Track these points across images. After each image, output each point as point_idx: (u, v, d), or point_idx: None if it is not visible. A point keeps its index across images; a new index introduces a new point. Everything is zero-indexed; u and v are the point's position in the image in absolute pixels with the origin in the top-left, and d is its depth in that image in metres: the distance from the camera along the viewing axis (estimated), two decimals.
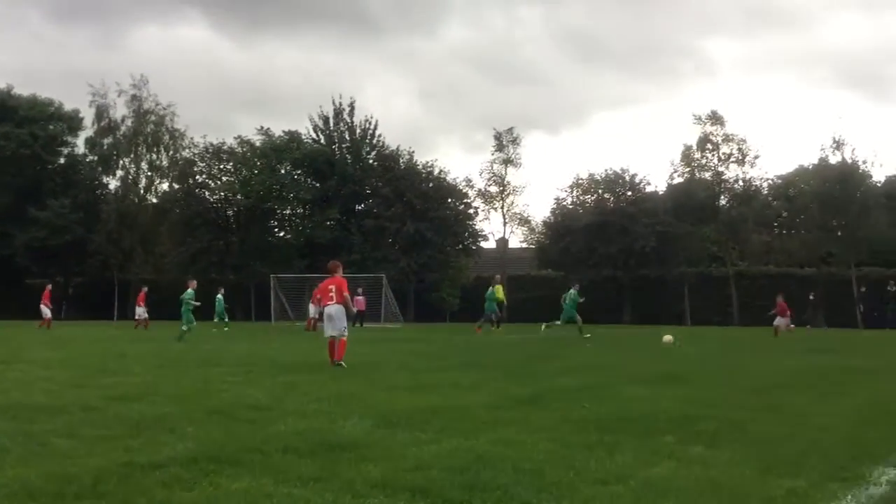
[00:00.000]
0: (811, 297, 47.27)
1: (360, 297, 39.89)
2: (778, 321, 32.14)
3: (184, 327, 24.40)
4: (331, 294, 15.10)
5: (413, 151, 58.18)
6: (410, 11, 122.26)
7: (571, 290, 30.28)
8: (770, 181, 57.65)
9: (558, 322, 30.04)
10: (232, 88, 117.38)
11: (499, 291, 34.63)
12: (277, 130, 58.72)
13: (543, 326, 30.51)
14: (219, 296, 34.36)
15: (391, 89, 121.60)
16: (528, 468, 5.97)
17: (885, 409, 9.64)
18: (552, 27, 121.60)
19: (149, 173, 59.92)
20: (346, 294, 15.27)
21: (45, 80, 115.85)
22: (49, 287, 36.90)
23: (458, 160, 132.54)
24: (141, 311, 34.35)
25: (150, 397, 9.85)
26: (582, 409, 9.06)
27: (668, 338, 22.86)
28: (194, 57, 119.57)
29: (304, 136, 58.87)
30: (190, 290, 25.74)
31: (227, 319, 34.24)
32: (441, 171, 57.49)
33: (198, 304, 26.12)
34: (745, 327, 44.91)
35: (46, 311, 34.59)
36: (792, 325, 33.24)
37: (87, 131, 60.64)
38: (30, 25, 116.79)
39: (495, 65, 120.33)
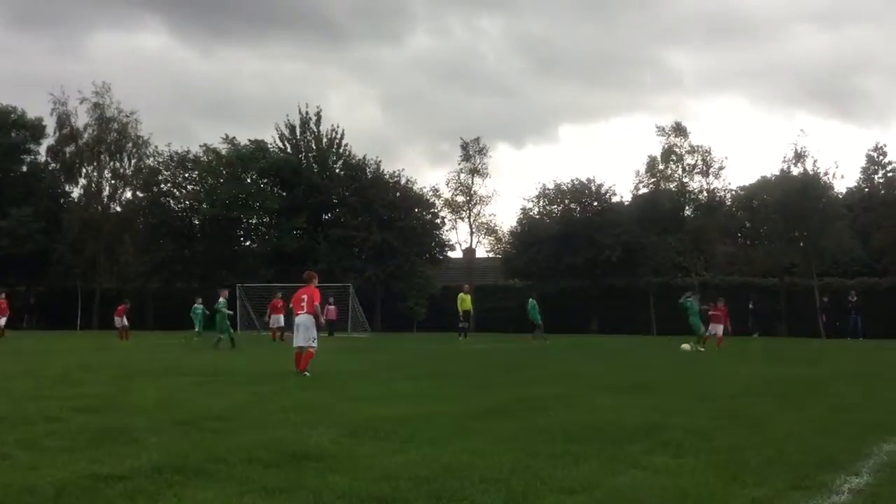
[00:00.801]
0: (751, 306, 48.05)
1: (332, 307, 39.79)
2: (714, 328, 27.43)
3: (222, 335, 25.35)
4: (302, 304, 15.04)
5: (380, 161, 58.14)
6: (374, 20, 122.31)
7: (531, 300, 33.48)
8: (734, 192, 58.22)
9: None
10: (193, 96, 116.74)
11: (464, 301, 34.73)
12: (240, 138, 58.27)
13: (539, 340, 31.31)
14: (196, 305, 33.81)
15: (355, 98, 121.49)
16: (495, 478, 5.98)
17: (846, 417, 9.76)
18: (514, 37, 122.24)
19: (112, 181, 59.34)
20: (318, 304, 15.24)
21: (2, 87, 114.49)
22: (4, 296, 36.35)
23: (423, 170, 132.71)
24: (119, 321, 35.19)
25: (114, 408, 9.75)
26: (548, 419, 9.09)
27: (685, 346, 24.06)
28: (154, 64, 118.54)
29: (270, 146, 58.59)
30: (222, 300, 26.33)
31: (200, 330, 33.62)
32: (408, 180, 57.54)
33: (230, 312, 26.67)
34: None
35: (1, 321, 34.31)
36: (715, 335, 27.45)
37: (50, 139, 60.00)
38: None
39: (459, 75, 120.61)
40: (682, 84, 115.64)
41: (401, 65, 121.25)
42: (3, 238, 54.32)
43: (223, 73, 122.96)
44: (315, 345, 14.96)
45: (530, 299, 33.61)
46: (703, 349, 24.83)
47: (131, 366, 17.30)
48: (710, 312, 27.75)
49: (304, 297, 15.09)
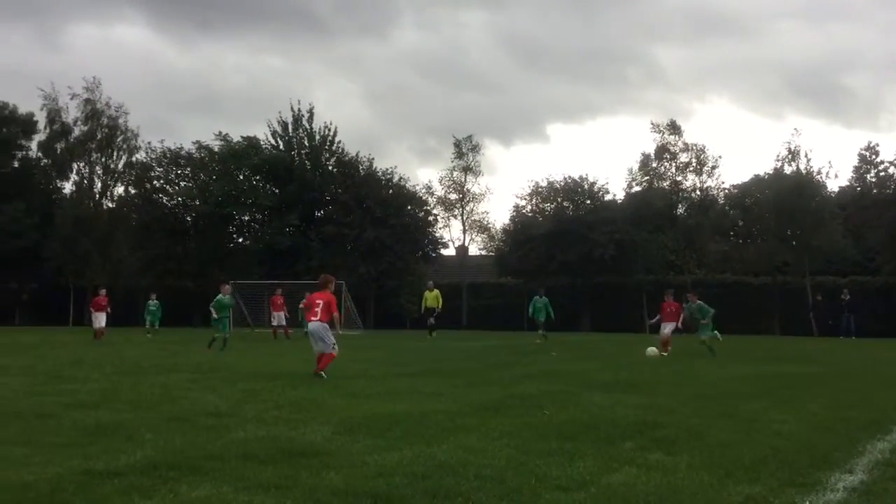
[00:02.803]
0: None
1: None
2: (665, 329, 23.76)
3: (222, 333, 23.08)
4: (316, 310, 13.91)
5: (373, 158, 58.14)
6: (359, 14, 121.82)
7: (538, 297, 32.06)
8: (727, 190, 58.39)
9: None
10: (174, 90, 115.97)
11: (428, 299, 34.54)
12: (223, 133, 58.14)
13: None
14: (150, 301, 33.58)
15: (339, 93, 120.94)
16: (490, 475, 5.99)
17: (840, 415, 9.80)
18: (500, 33, 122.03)
19: (104, 177, 59.19)
20: (336, 314, 14.20)
21: None
22: None
23: (411, 166, 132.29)
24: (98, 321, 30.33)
25: (108, 404, 9.74)
26: (542, 416, 9.11)
27: (651, 350, 21.20)
28: (134, 57, 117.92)
29: (262, 142, 58.53)
30: (225, 296, 23.87)
31: (157, 326, 33.31)
32: (401, 178, 57.55)
33: (233, 304, 24.78)
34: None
35: None
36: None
37: (41, 135, 59.81)
38: None
39: (445, 70, 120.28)
40: (669, 81, 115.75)
41: (386, 60, 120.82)
42: None
43: (205, 66, 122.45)
44: (335, 349, 13.89)
45: (539, 297, 32.04)
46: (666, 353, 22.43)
47: (124, 362, 17.27)
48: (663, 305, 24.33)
49: (320, 302, 13.95)
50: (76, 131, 57.97)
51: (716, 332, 23.24)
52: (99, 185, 59.19)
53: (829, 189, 52.20)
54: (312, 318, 14.00)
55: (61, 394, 10.77)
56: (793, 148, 50.25)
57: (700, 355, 21.01)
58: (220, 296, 23.63)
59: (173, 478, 5.73)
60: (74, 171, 59.28)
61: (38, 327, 48.37)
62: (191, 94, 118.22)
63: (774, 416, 9.56)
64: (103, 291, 30.22)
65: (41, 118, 59.03)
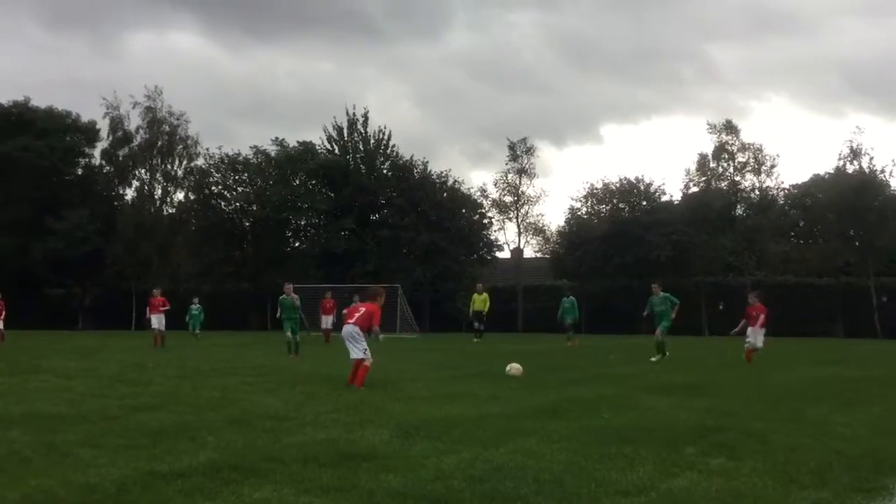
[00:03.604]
0: (720, 307, 47.35)
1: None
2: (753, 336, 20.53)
3: (291, 337, 22.30)
4: (356, 314, 13.35)
5: (427, 162, 58.31)
6: (409, 17, 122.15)
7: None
8: (786, 190, 57.41)
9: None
10: (228, 96, 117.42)
11: (476, 302, 34.32)
12: (280, 138, 58.87)
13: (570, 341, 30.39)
14: (193, 305, 33.81)
15: (391, 96, 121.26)
16: (548, 479, 5.96)
17: None
18: (552, 33, 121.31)
19: (164, 183, 60.32)
20: (376, 326, 13.31)
21: (42, 88, 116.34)
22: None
23: (464, 169, 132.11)
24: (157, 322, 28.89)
25: (170, 406, 9.90)
26: (601, 420, 9.03)
27: (515, 368, 15.57)
28: (188, 63, 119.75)
29: (318, 147, 59.11)
30: (289, 297, 22.96)
31: (199, 330, 33.22)
32: (455, 181, 57.64)
33: (298, 304, 23.26)
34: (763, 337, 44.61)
35: None
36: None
37: (104, 142, 61.18)
38: (25, 33, 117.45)
39: (497, 72, 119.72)
40: (725, 79, 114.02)
41: (437, 62, 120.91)
42: (60, 240, 55.49)
43: (258, 72, 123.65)
44: (367, 356, 13.19)
45: (567, 297, 31.89)
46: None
47: (185, 365, 17.55)
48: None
49: (362, 310, 13.40)
50: (138, 139, 59.18)
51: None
52: (159, 191, 60.45)
53: (893, 188, 51.00)
54: (349, 321, 13.40)
55: (125, 396, 10.98)
56: (855, 146, 49.27)
57: (761, 357, 20.62)
58: (283, 296, 23.13)
59: (235, 479, 5.81)
60: (136, 178, 60.55)
61: (101, 331, 49.41)
62: (245, 99, 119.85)
63: (838, 419, 9.36)
64: (158, 292, 29.81)
65: (103, 126, 60.46)
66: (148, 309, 29.54)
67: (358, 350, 13.01)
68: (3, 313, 32.14)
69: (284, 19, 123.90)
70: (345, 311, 14.09)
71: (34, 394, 11.35)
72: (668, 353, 20.50)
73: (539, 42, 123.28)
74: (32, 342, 30.48)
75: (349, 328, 13.25)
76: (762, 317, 20.45)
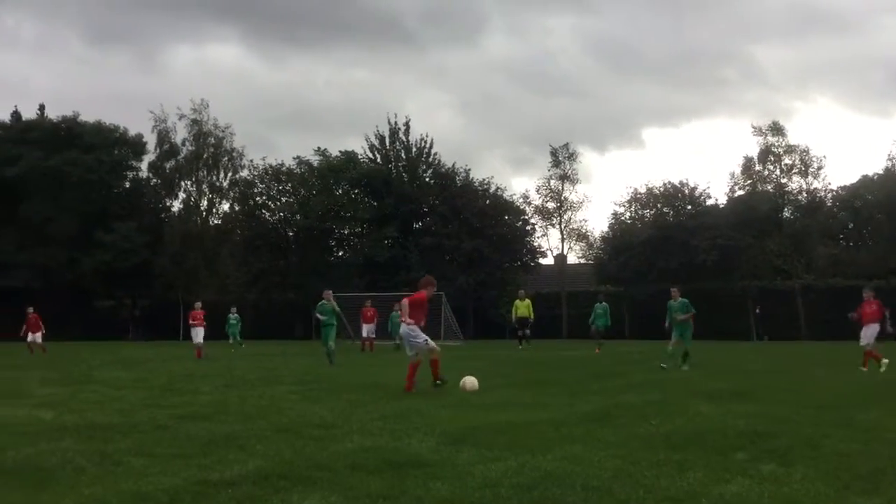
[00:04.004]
0: (757, 311, 46.51)
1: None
2: (868, 333, 19.31)
3: (331, 344, 22.09)
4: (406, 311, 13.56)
5: (469, 169, 58.43)
6: (446, 23, 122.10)
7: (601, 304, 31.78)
8: (834, 192, 56.54)
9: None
10: (268, 106, 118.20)
11: (519, 308, 34.13)
12: (316, 147, 59.44)
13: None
14: (231, 314, 34.03)
15: (430, 103, 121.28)
16: (597, 486, 5.91)
17: None
18: (590, 37, 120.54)
19: (210, 195, 61.09)
20: (404, 303, 13.61)
21: (86, 102, 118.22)
22: (32, 310, 32.93)
23: (505, 175, 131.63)
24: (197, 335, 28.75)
25: (219, 416, 10.00)
26: (649, 426, 8.95)
27: (470, 382, 13.45)
28: (228, 75, 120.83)
29: (360, 156, 59.45)
30: (329, 302, 22.72)
31: (239, 339, 33.46)
32: (498, 188, 57.66)
33: (322, 317, 22.91)
34: (813, 341, 43.98)
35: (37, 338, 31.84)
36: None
37: (151, 155, 62.16)
38: (69, 49, 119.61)
39: (536, 77, 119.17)
40: (768, 80, 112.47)
41: (476, 68, 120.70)
42: (109, 252, 56.41)
43: (297, 82, 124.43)
44: (431, 346, 13.41)
45: (600, 303, 31.77)
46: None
47: (232, 375, 17.73)
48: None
49: (406, 302, 13.63)
50: (184, 151, 60.02)
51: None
52: (205, 202, 61.15)
53: None
54: (403, 320, 13.77)
55: (175, 406, 11.11)
56: None
57: (817, 364, 20.30)
58: (322, 302, 23.06)
59: (284, 487, 5.85)
60: (182, 190, 61.40)
61: (150, 342, 50.09)
62: (284, 110, 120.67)
63: (892, 424, 9.18)
64: (199, 305, 29.98)
65: (150, 140, 61.41)
66: (190, 321, 29.54)
67: (412, 351, 13.47)
68: (41, 327, 32.48)
69: (321, 28, 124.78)
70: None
71: (86, 404, 11.54)
72: (688, 361, 19.84)
73: (577, 46, 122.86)
74: (84, 353, 31.01)
75: (404, 329, 13.70)
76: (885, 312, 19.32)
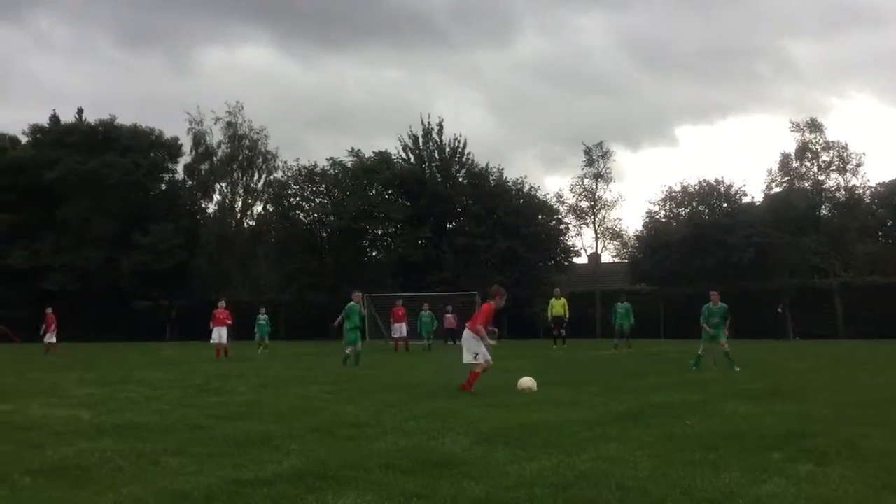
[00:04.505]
0: (779, 310, 45.81)
1: (450, 316, 39.88)
2: None
3: (353, 346, 21.55)
4: (474, 317, 13.72)
5: (503, 169, 58.31)
6: (477, 22, 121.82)
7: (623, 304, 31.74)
8: (873, 189, 55.72)
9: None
10: (301, 107, 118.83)
11: (555, 307, 33.95)
12: (347, 147, 59.64)
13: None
14: (260, 316, 33.83)
15: (462, 103, 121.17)
16: (632, 485, 5.88)
17: None
18: (621, 35, 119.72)
19: (244, 196, 61.56)
20: (480, 325, 13.33)
21: (119, 105, 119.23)
22: (51, 311, 33.64)
23: (538, 174, 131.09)
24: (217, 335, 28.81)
25: (254, 416, 10.07)
26: (685, 426, 8.89)
27: (528, 382, 13.32)
28: (261, 76, 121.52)
29: (393, 156, 59.59)
30: (357, 304, 22.29)
31: (267, 340, 33.38)
32: (531, 187, 57.50)
33: (364, 313, 22.61)
34: (850, 340, 43.39)
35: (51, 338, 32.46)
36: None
37: (186, 157, 62.78)
38: (102, 52, 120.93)
39: (567, 75, 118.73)
40: (803, 76, 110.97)
41: (507, 67, 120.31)
42: (146, 254, 57.03)
43: (329, 83, 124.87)
44: (477, 361, 13.23)
45: (622, 303, 31.68)
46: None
47: (266, 375, 17.85)
48: None
49: (479, 319, 13.57)
50: (219, 153, 60.54)
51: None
52: (240, 204, 61.62)
53: None
54: (467, 325, 13.75)
55: (210, 406, 11.22)
56: None
57: (855, 362, 20.04)
58: (351, 303, 22.48)
59: (319, 487, 5.88)
60: (217, 192, 61.95)
61: (187, 342, 50.55)
62: (317, 110, 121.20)
63: None
64: (222, 304, 29.81)
65: (186, 142, 62.03)
66: (211, 322, 29.32)
67: (468, 355, 13.39)
68: (54, 326, 32.91)
69: (352, 28, 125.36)
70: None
71: (124, 404, 11.68)
72: (701, 364, 19.48)
73: (609, 44, 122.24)
74: (122, 354, 31.41)
75: (465, 333, 13.71)
76: None
